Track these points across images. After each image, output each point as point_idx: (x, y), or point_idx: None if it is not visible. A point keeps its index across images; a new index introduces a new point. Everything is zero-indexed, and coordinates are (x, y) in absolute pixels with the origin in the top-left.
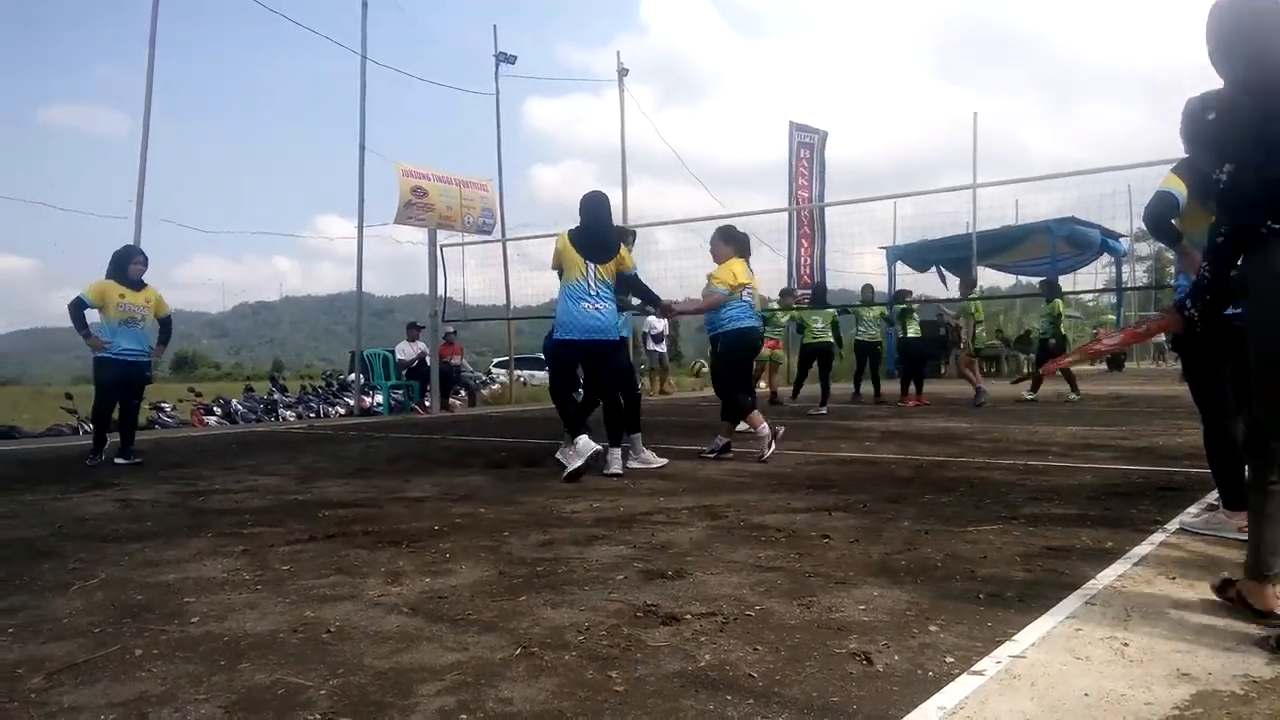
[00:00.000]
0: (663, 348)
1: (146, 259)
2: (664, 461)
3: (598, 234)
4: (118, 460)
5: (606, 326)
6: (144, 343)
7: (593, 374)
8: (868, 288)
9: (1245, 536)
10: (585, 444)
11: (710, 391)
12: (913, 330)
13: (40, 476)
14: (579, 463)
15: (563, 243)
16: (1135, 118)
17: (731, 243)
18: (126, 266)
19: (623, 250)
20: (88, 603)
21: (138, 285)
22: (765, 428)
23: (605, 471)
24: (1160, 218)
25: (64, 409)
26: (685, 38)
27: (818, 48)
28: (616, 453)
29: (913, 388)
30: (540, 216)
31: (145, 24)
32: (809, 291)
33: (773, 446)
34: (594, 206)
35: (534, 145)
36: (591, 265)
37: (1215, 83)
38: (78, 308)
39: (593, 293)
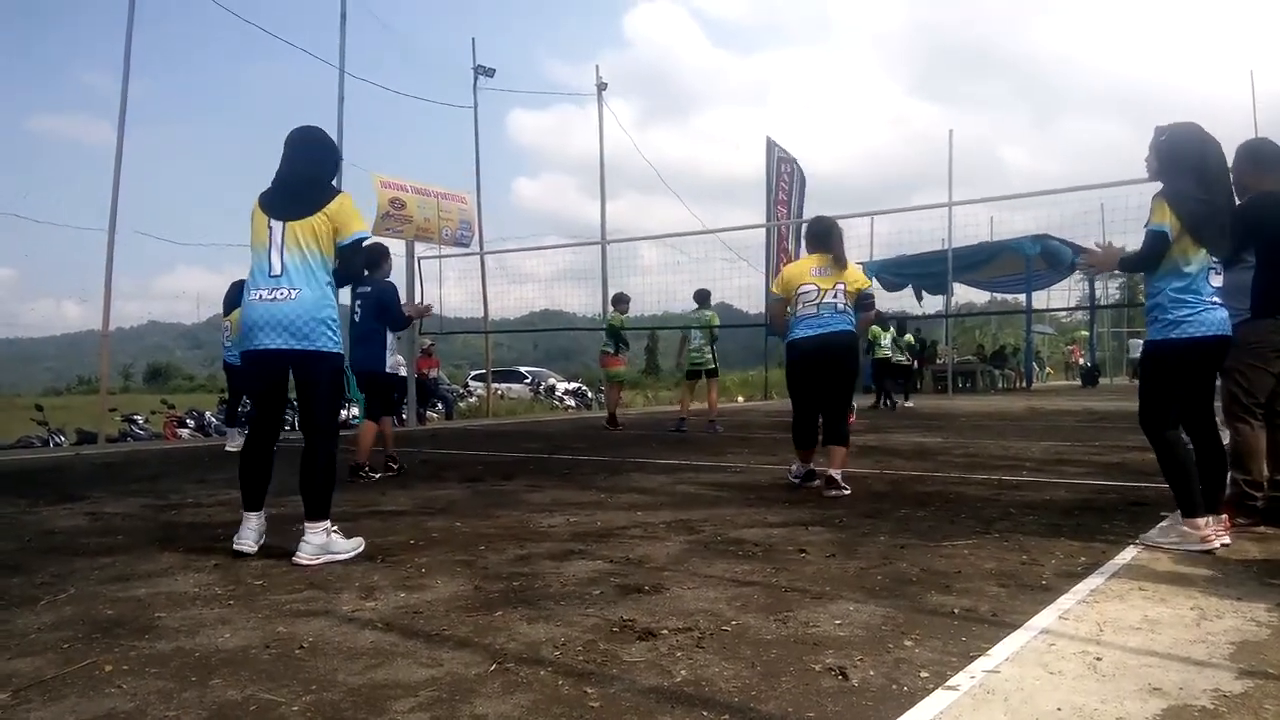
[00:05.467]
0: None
1: None
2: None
3: (291, 183)
4: None
5: (285, 322)
6: None
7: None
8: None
9: (1207, 547)
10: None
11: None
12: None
13: (8, 489)
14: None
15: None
16: (1111, 132)
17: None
18: None
19: (338, 201)
20: (56, 618)
21: None
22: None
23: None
24: (1156, 262)
25: (34, 420)
26: (668, 53)
27: (798, 64)
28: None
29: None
30: (522, 229)
31: (123, 34)
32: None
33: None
34: (292, 143)
35: (517, 158)
36: (278, 226)
37: (1197, 105)
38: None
39: (275, 273)
